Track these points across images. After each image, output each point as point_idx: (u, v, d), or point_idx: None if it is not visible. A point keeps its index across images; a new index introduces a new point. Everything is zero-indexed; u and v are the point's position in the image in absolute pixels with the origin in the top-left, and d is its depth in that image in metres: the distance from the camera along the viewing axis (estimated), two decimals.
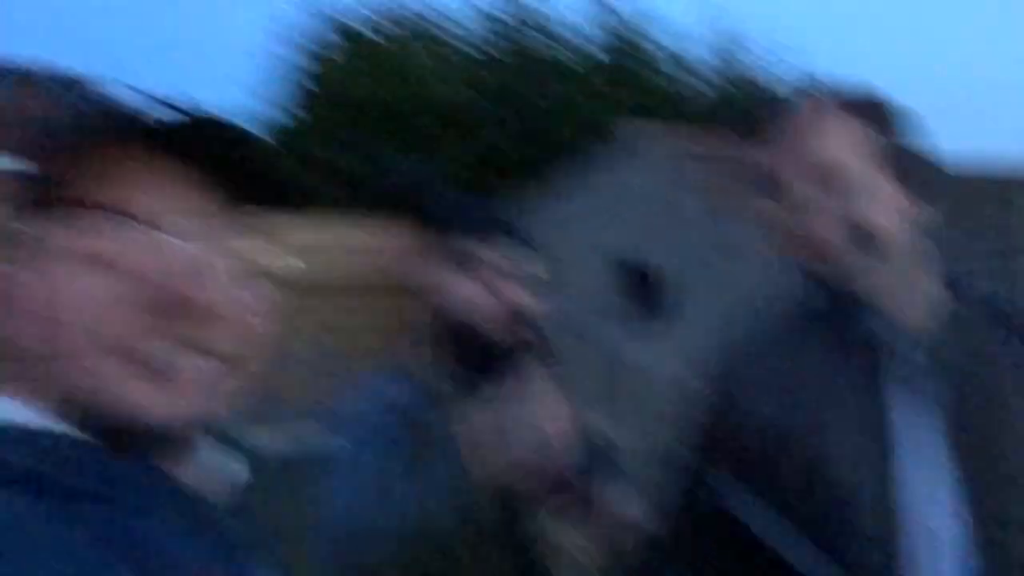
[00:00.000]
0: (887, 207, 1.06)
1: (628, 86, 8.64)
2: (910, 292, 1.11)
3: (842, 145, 1.06)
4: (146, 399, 0.56)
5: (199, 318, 0.56)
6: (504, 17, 8.67)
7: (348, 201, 8.58)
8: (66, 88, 0.61)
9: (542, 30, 8.77)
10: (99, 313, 0.55)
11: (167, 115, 0.56)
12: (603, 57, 8.87)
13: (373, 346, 1.48)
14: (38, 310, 0.55)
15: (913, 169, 1.08)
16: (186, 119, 0.56)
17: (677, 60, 9.27)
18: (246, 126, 0.59)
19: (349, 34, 9.04)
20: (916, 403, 1.07)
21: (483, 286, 1.34)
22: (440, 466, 1.26)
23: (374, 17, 8.98)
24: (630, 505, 1.28)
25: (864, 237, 1.05)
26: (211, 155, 0.59)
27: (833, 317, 1.13)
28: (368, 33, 9.02)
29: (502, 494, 1.25)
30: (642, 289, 6.24)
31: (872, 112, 1.08)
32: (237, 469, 0.68)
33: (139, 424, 0.56)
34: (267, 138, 8.83)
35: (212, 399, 0.59)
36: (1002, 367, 1.08)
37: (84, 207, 0.55)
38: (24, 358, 0.56)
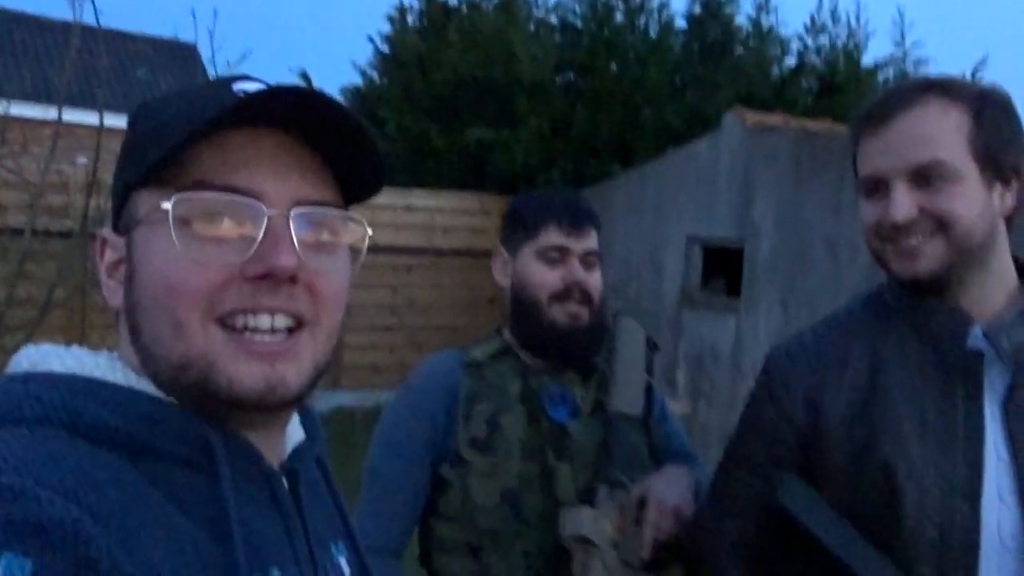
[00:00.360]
0: (973, 197, 1.03)
1: (722, 67, 8.43)
2: (991, 287, 1.07)
3: (941, 130, 1.02)
4: (236, 367, 0.59)
5: (283, 285, 0.60)
6: None
7: (434, 173, 8.71)
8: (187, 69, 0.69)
9: (635, 9, 8.62)
10: (204, 280, 0.58)
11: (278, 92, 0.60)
12: (694, 37, 8.67)
13: (451, 319, 1.54)
14: (157, 274, 0.59)
15: (1006, 161, 1.04)
16: (284, 90, 0.59)
17: (777, 42, 8.97)
18: (343, 101, 0.64)
19: (446, 9, 9.12)
20: (992, 401, 1.05)
21: (561, 275, 1.37)
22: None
23: None
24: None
25: (951, 230, 1.02)
26: (308, 128, 0.62)
27: (915, 313, 1.10)
28: (462, 7, 9.09)
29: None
30: (729, 273, 6.13)
31: (972, 98, 1.05)
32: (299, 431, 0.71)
33: (233, 392, 0.59)
34: (360, 110, 8.99)
35: (303, 366, 0.62)
36: None
37: (195, 182, 0.60)
38: (139, 325, 0.61)
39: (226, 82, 0.64)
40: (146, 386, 0.60)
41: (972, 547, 1.01)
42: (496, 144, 8.23)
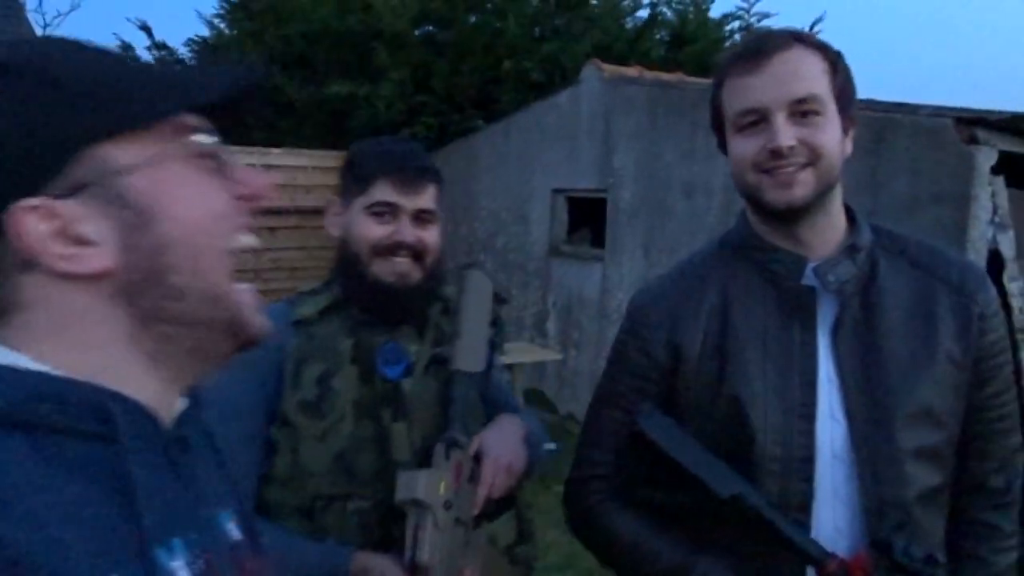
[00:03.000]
0: (834, 136, 1.13)
1: (578, 18, 8.55)
2: (828, 227, 1.19)
3: (813, 70, 1.12)
4: (252, 310, 0.65)
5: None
6: None
7: (293, 131, 8.43)
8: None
9: None
10: (229, 207, 0.64)
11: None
12: None
13: (319, 281, 1.47)
14: (192, 209, 0.61)
15: (851, 109, 1.16)
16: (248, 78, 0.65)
17: None
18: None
19: None
20: (823, 331, 1.18)
21: (389, 231, 1.32)
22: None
23: None
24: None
25: (820, 161, 1.12)
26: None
27: (759, 254, 1.20)
28: None
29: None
30: (593, 223, 6.32)
31: (828, 50, 1.15)
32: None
33: (253, 336, 0.65)
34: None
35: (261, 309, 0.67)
36: (890, 292, 1.18)
37: (188, 129, 0.63)
38: (169, 265, 0.60)
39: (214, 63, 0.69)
40: (32, 364, 0.58)
41: (809, 460, 1.14)
42: (357, 99, 8.04)
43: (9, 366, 0.57)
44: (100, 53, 0.63)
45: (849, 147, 1.17)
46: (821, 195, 1.14)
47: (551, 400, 6.34)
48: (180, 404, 0.68)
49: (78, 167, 0.58)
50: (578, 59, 7.32)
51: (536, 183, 6.63)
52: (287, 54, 8.48)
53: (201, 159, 0.63)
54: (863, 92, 1.24)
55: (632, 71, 6.27)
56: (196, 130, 0.63)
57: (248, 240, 0.66)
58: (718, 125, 1.22)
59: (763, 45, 1.13)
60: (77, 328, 0.59)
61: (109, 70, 0.61)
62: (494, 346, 1.44)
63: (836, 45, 1.16)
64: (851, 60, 1.17)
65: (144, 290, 0.60)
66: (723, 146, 1.23)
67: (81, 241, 0.58)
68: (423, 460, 1.27)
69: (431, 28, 8.57)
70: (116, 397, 0.59)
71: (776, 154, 1.11)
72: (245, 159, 6.50)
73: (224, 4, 9.30)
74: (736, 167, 1.18)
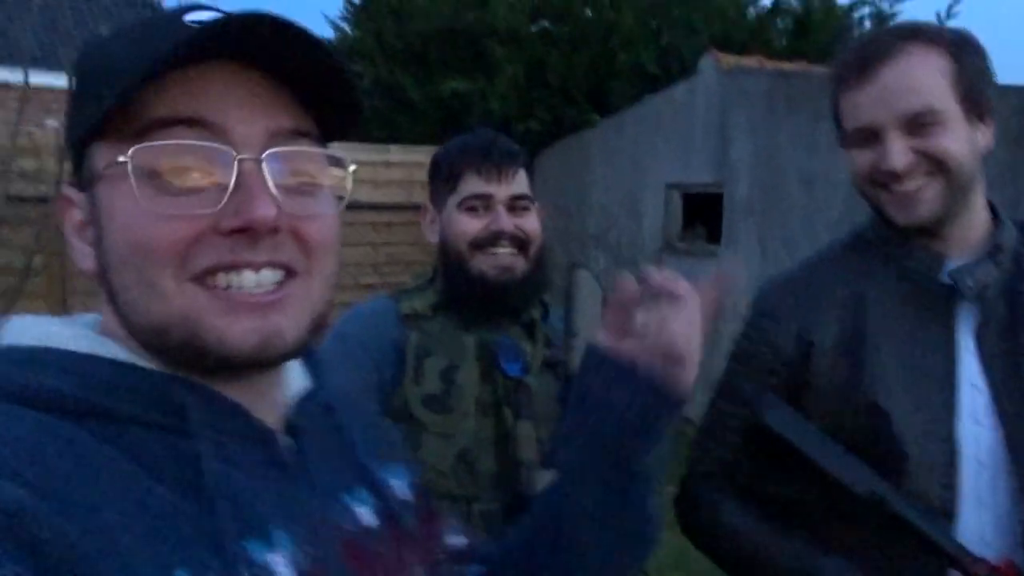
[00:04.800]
0: (962, 137, 1.06)
1: (696, 9, 8.35)
2: (970, 226, 1.12)
3: (927, 77, 1.05)
4: (225, 323, 0.55)
5: (263, 237, 0.55)
6: None
7: (410, 127, 8.62)
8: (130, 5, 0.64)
9: None
10: (173, 236, 0.54)
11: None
12: None
13: (419, 263, 1.44)
14: (122, 233, 0.55)
15: (984, 101, 1.08)
16: (243, 18, 0.53)
17: None
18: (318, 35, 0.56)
19: None
20: (966, 333, 1.10)
21: (485, 222, 1.29)
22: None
23: None
24: None
25: (948, 169, 1.05)
26: (273, 60, 0.56)
27: (895, 251, 1.14)
28: None
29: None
30: (708, 218, 6.17)
31: (950, 43, 1.07)
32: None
33: (223, 350, 0.55)
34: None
35: (299, 316, 0.58)
36: None
37: (161, 124, 0.54)
38: (114, 288, 0.57)
39: (176, 14, 0.57)
40: (114, 350, 0.57)
41: (951, 465, 1.07)
42: (472, 95, 8.14)
43: (89, 354, 0.56)
44: (115, 38, 0.59)
45: (987, 138, 1.09)
46: (954, 204, 1.07)
47: None
48: (297, 386, 0.65)
49: (85, 163, 0.58)
50: (696, 50, 7.15)
51: (650, 178, 6.52)
52: (406, 52, 8.67)
53: (153, 180, 0.54)
54: (1009, 76, 1.15)
55: (752, 61, 6.08)
56: (161, 124, 0.54)
57: (243, 279, 0.55)
58: (838, 122, 1.16)
59: (871, 55, 1.06)
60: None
61: (104, 59, 0.57)
62: None
63: (977, 27, 1.08)
64: (995, 42, 1.07)
65: (111, 303, 0.58)
66: (844, 142, 1.17)
67: (85, 239, 0.59)
68: (547, 461, 1.23)
69: (546, 23, 8.57)
70: (194, 388, 0.57)
71: (892, 175, 1.06)
72: (363, 155, 6.69)
73: (348, 5, 9.61)
74: (855, 178, 1.13)
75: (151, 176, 0.54)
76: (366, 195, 6.95)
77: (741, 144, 5.59)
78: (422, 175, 1.39)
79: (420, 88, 8.51)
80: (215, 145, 0.54)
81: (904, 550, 1.06)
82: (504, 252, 1.29)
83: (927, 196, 1.06)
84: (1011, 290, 1.11)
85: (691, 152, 6.08)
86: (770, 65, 5.97)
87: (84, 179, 0.58)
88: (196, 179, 0.54)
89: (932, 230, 1.09)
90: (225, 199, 0.54)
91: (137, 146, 0.53)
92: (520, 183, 1.33)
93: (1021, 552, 1.04)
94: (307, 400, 0.65)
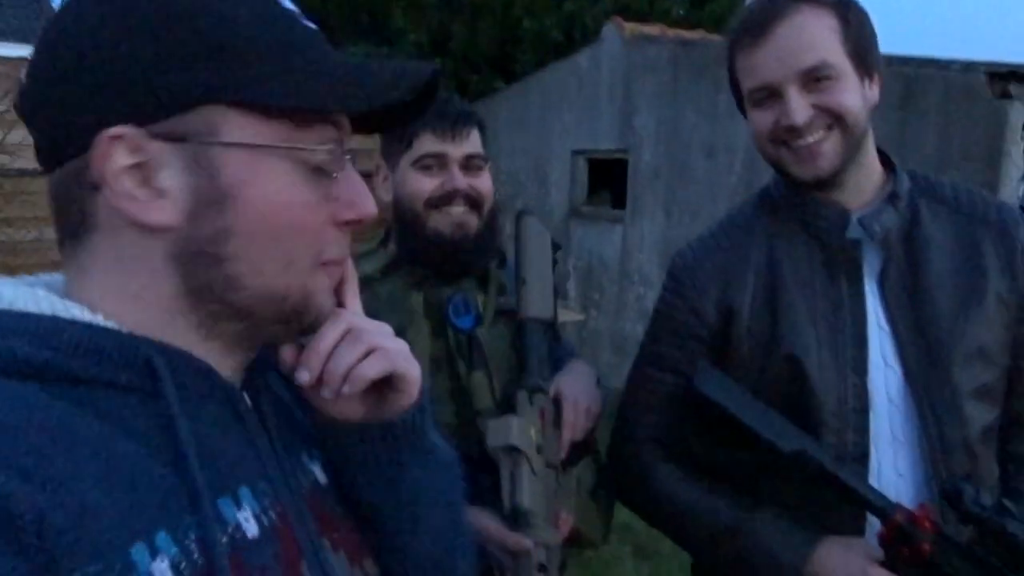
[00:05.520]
0: (855, 91, 1.11)
1: None
2: (864, 179, 1.17)
3: (820, 33, 1.09)
4: (327, 303, 0.64)
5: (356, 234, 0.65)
6: None
7: None
8: None
9: None
10: (319, 223, 0.60)
11: None
12: None
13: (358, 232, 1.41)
14: (269, 210, 0.58)
15: (871, 58, 1.13)
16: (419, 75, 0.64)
17: None
18: None
19: None
20: (870, 280, 1.17)
21: (440, 181, 1.29)
22: None
23: None
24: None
25: (844, 122, 1.10)
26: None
27: (801, 210, 1.19)
28: None
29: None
30: (613, 184, 6.27)
31: (836, 4, 1.11)
32: None
33: (318, 324, 0.63)
34: None
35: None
36: (934, 237, 1.17)
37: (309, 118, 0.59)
38: (228, 252, 0.57)
39: None
40: (76, 312, 0.55)
41: (863, 411, 1.14)
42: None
43: (54, 316, 0.55)
44: (281, 10, 0.60)
45: (875, 94, 1.14)
46: (850, 158, 1.12)
47: None
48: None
49: (190, 117, 0.55)
50: (599, 18, 7.20)
51: (556, 145, 6.57)
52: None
53: (309, 169, 0.59)
54: (894, 48, 1.21)
55: (653, 30, 6.16)
56: (325, 136, 0.60)
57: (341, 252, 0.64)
58: (736, 88, 1.20)
59: (765, 16, 1.10)
60: (132, 275, 0.57)
61: (278, 32, 0.58)
62: (557, 292, 1.41)
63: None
64: (882, 15, 1.12)
65: (199, 266, 0.57)
66: (742, 108, 1.20)
67: (153, 189, 0.55)
68: (504, 408, 1.24)
69: None
70: (163, 349, 0.56)
71: (792, 130, 1.10)
72: None
73: None
74: (757, 139, 1.16)
75: (310, 168, 0.59)
76: None
77: (645, 112, 5.69)
78: (374, 143, 1.35)
79: None
80: (353, 147, 0.62)
81: (830, 502, 1.12)
82: (459, 211, 1.30)
83: (826, 149, 1.10)
84: (908, 235, 1.17)
85: (596, 119, 6.14)
86: (671, 34, 6.06)
87: (182, 132, 0.56)
88: (337, 181, 0.61)
89: (832, 182, 1.14)
90: (349, 197, 0.62)
91: (327, 147, 0.59)
92: (474, 142, 1.33)
93: (935, 483, 1.11)
94: (260, 361, 0.66)
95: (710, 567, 1.31)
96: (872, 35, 1.14)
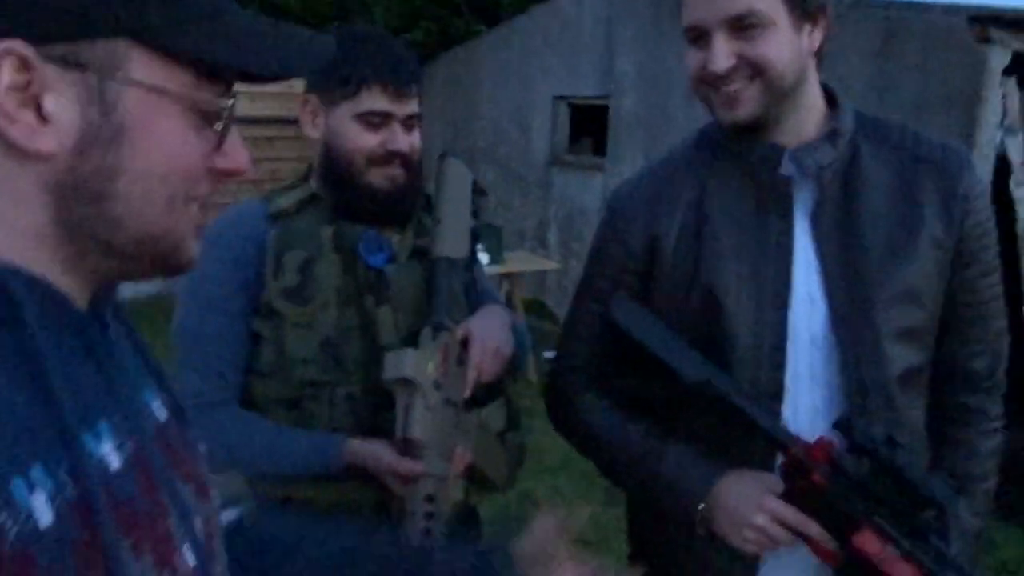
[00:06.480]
0: (784, 42, 1.08)
1: None
2: (803, 119, 1.16)
3: None
4: (194, 247, 0.64)
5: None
6: None
7: None
8: None
9: None
10: (200, 167, 0.61)
11: None
12: None
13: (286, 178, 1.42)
14: (163, 153, 0.58)
15: (810, 4, 1.09)
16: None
17: None
18: None
19: None
20: (802, 217, 1.16)
21: (382, 139, 1.29)
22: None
23: None
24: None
25: (766, 75, 1.08)
26: None
27: (736, 147, 1.18)
28: None
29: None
30: (594, 130, 6.21)
31: None
32: None
33: (184, 267, 0.64)
34: None
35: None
36: (872, 176, 1.16)
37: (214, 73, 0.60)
38: (110, 190, 0.56)
39: None
40: None
41: (780, 348, 1.14)
42: (354, 3, 7.80)
43: None
44: None
45: (816, 39, 1.11)
46: (774, 105, 1.10)
47: (552, 310, 6.37)
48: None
49: (94, 46, 0.54)
50: None
51: (538, 90, 6.48)
52: None
53: (200, 115, 0.59)
54: None
55: None
56: (219, 88, 0.60)
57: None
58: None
59: None
60: (4, 204, 0.54)
61: None
62: (476, 236, 1.43)
63: None
64: None
65: (78, 201, 0.56)
66: None
67: (38, 111, 0.53)
68: (410, 344, 1.26)
69: None
70: (20, 275, 0.54)
71: (714, 76, 1.08)
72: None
73: None
74: (691, 78, 1.15)
75: (201, 116, 0.59)
76: (242, 109, 6.62)
77: (626, 57, 5.61)
78: (300, 86, 1.33)
79: None
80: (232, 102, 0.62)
81: (736, 433, 1.13)
82: (395, 171, 1.31)
83: (746, 97, 1.09)
84: (846, 172, 1.16)
85: (578, 64, 6.06)
86: None
87: (86, 60, 0.54)
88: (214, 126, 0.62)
89: (756, 128, 1.13)
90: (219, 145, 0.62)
91: (224, 101, 0.60)
92: (416, 101, 1.33)
93: (855, 418, 1.10)
94: (103, 293, 0.65)
95: (640, 510, 1.34)
96: None
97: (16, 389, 0.50)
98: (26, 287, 0.54)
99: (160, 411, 0.67)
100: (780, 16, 1.06)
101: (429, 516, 1.17)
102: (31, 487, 0.48)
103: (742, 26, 1.06)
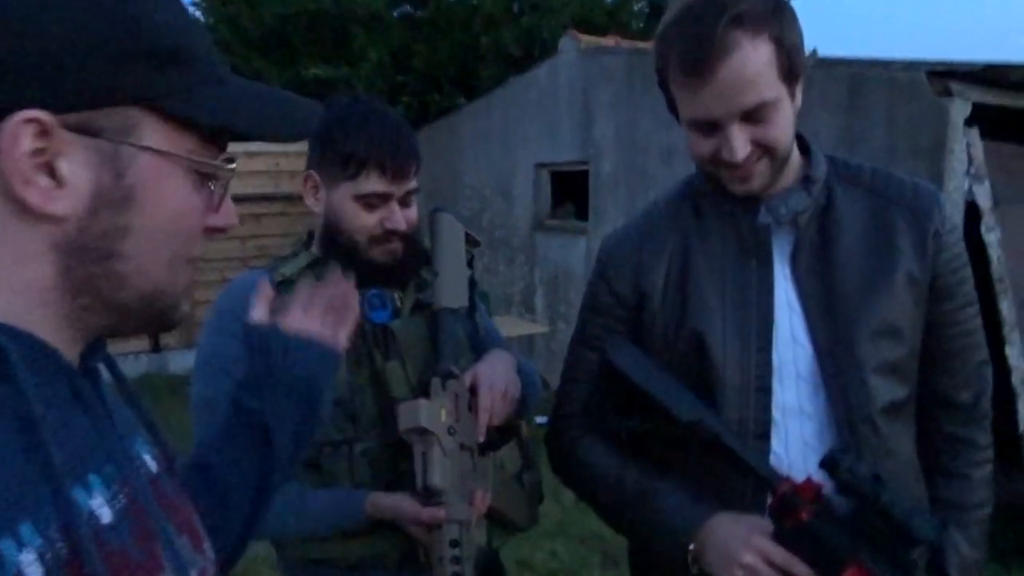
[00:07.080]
0: (788, 116, 1.12)
1: None
2: (784, 172, 1.20)
3: (760, 70, 1.07)
4: (188, 305, 0.67)
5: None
6: None
7: None
8: None
9: None
10: (198, 228, 0.65)
11: None
12: None
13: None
14: (170, 213, 0.62)
15: (798, 65, 1.12)
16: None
17: None
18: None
19: None
20: (782, 263, 1.20)
21: (380, 218, 1.32)
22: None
23: None
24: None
25: (775, 152, 1.13)
26: None
27: (717, 198, 1.23)
28: None
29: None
30: (576, 195, 6.31)
31: (771, 23, 1.08)
32: None
33: (177, 322, 0.67)
34: None
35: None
36: (846, 218, 1.20)
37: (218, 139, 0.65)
38: (119, 249, 0.59)
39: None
40: None
41: (765, 390, 1.17)
42: (336, 81, 7.99)
43: None
44: (201, 25, 0.65)
45: (799, 95, 1.15)
46: (778, 172, 1.17)
47: (541, 375, 6.35)
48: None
49: (108, 114, 0.56)
50: (556, 32, 7.28)
51: (519, 158, 6.60)
52: (264, 38, 8.41)
53: (199, 177, 0.63)
54: (839, 50, 1.22)
55: (609, 41, 6.24)
56: (215, 150, 0.64)
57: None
58: (673, 103, 1.19)
59: (704, 52, 1.06)
60: (6, 263, 0.56)
61: (203, 46, 0.62)
62: (474, 284, 1.46)
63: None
64: (825, 21, 1.10)
65: (86, 259, 0.58)
66: (673, 109, 1.20)
67: (51, 175, 0.55)
68: (420, 395, 1.29)
69: (408, 7, 8.51)
70: (11, 332, 0.55)
71: (732, 163, 1.12)
72: (229, 147, 6.45)
73: None
74: (693, 155, 1.18)
75: (200, 177, 0.63)
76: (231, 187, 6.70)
77: (604, 122, 5.74)
78: (288, 164, 1.40)
79: (281, 75, 8.27)
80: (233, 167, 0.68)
81: (728, 472, 1.15)
82: (394, 247, 1.35)
83: (757, 172, 1.14)
84: (821, 216, 1.21)
85: (557, 131, 6.19)
86: (626, 44, 6.14)
87: (98, 127, 0.57)
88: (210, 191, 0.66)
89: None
90: (216, 205, 0.67)
91: (226, 165, 0.65)
92: (414, 179, 1.36)
93: (840, 456, 1.12)
94: (93, 346, 0.66)
95: (641, 550, 1.35)
96: (800, 38, 1.13)
97: (5, 444, 0.51)
98: (15, 342, 0.55)
99: (152, 462, 0.68)
100: (782, 94, 1.10)
101: (456, 560, 1.20)
102: (20, 546, 0.49)
103: (754, 115, 1.09)
